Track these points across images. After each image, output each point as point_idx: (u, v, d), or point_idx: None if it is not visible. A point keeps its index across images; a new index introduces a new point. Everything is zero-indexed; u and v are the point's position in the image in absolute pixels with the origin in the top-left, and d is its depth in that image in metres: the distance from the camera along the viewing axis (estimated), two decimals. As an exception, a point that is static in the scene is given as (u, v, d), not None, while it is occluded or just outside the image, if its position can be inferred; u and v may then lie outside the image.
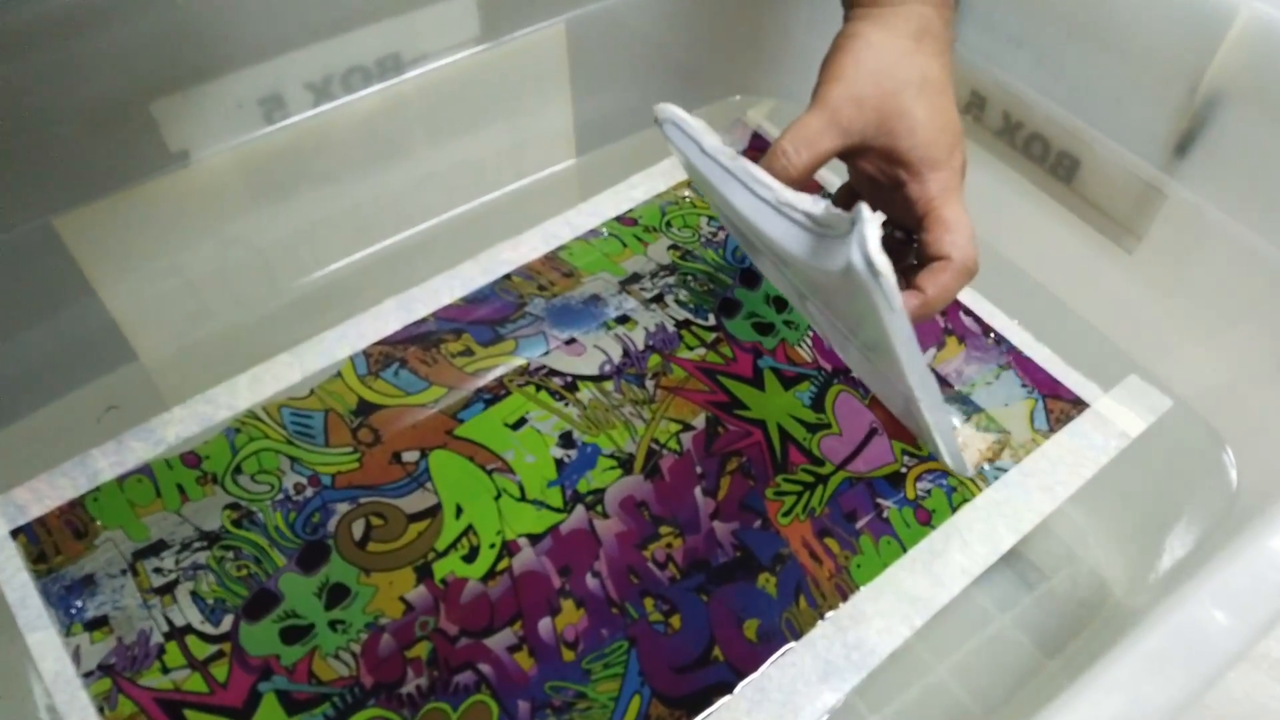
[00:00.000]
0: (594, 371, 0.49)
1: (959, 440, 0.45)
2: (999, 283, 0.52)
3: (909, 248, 0.42)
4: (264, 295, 0.54)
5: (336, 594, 0.41)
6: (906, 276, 0.41)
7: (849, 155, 0.41)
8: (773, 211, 0.37)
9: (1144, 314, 0.50)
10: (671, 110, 0.39)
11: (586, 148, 0.61)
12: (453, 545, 0.43)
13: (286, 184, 0.52)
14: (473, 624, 0.41)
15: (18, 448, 0.47)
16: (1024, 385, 0.48)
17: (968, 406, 0.47)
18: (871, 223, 0.33)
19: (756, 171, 0.37)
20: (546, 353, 0.49)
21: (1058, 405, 0.48)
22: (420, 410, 0.47)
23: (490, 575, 0.42)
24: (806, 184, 0.38)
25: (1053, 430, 0.47)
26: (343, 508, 0.44)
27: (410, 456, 0.46)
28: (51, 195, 0.45)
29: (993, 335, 0.50)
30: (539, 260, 0.54)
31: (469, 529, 0.43)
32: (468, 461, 0.45)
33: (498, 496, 0.44)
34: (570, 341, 0.50)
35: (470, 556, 0.43)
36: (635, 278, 0.53)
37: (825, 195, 0.45)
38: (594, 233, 0.55)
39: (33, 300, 0.47)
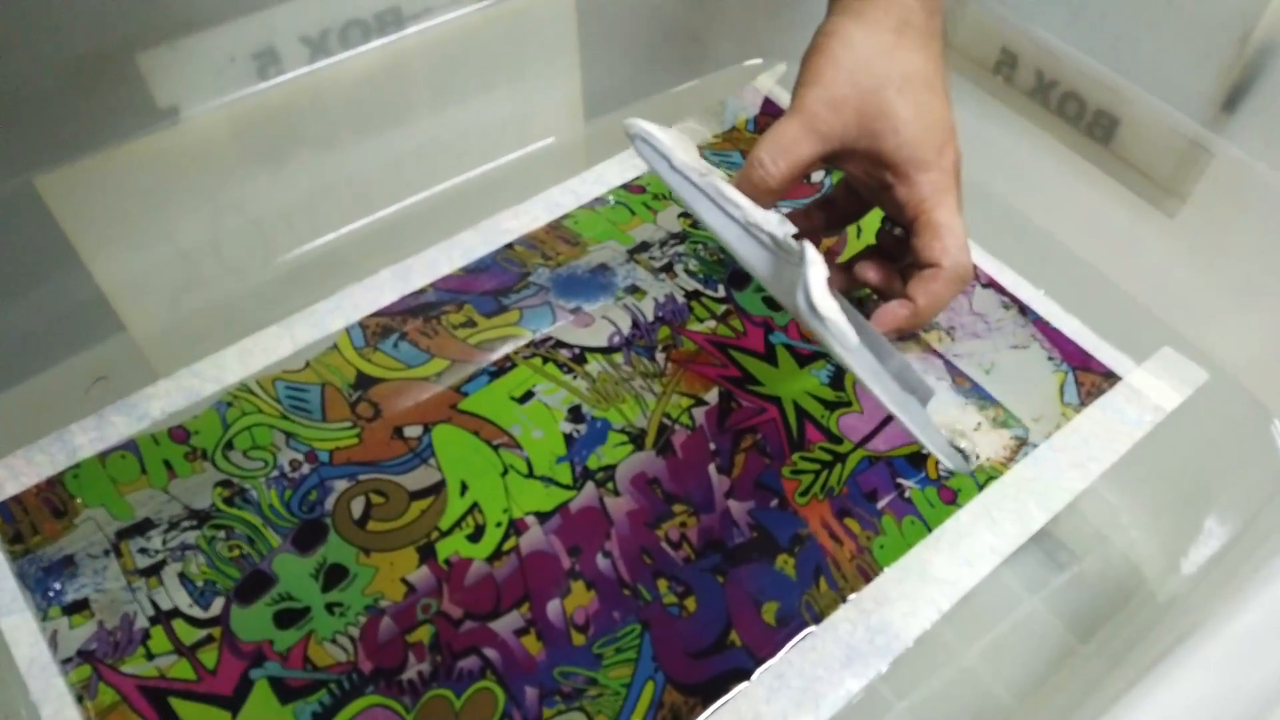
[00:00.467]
0: (603, 343, 0.47)
1: (968, 443, 0.43)
2: (1028, 251, 0.50)
3: (907, 246, 0.40)
4: (258, 265, 0.51)
5: (334, 575, 0.39)
6: (905, 275, 0.39)
7: (834, 159, 0.39)
8: (742, 231, 0.37)
9: (1185, 281, 0.47)
10: (640, 126, 0.39)
11: (595, 113, 0.58)
12: (457, 524, 0.41)
13: (281, 147, 0.49)
14: (478, 607, 0.39)
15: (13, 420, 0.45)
16: (1051, 358, 0.46)
17: (983, 400, 0.45)
18: (814, 264, 0.32)
19: (726, 189, 0.37)
20: (553, 323, 0.47)
21: (1089, 378, 0.45)
22: (422, 384, 0.45)
23: (496, 555, 0.40)
24: (798, 187, 0.37)
25: (1084, 404, 0.44)
26: (341, 485, 0.42)
27: (413, 432, 0.43)
28: (32, 152, 0.42)
29: (1016, 306, 0.48)
30: (543, 229, 0.51)
31: (474, 507, 0.41)
32: (473, 436, 0.43)
33: (504, 473, 0.42)
34: (576, 311, 0.48)
35: (475, 536, 0.40)
36: (644, 246, 0.51)
37: (819, 194, 0.44)
38: (600, 200, 0.53)
39: (14, 267, 0.45)
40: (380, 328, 0.47)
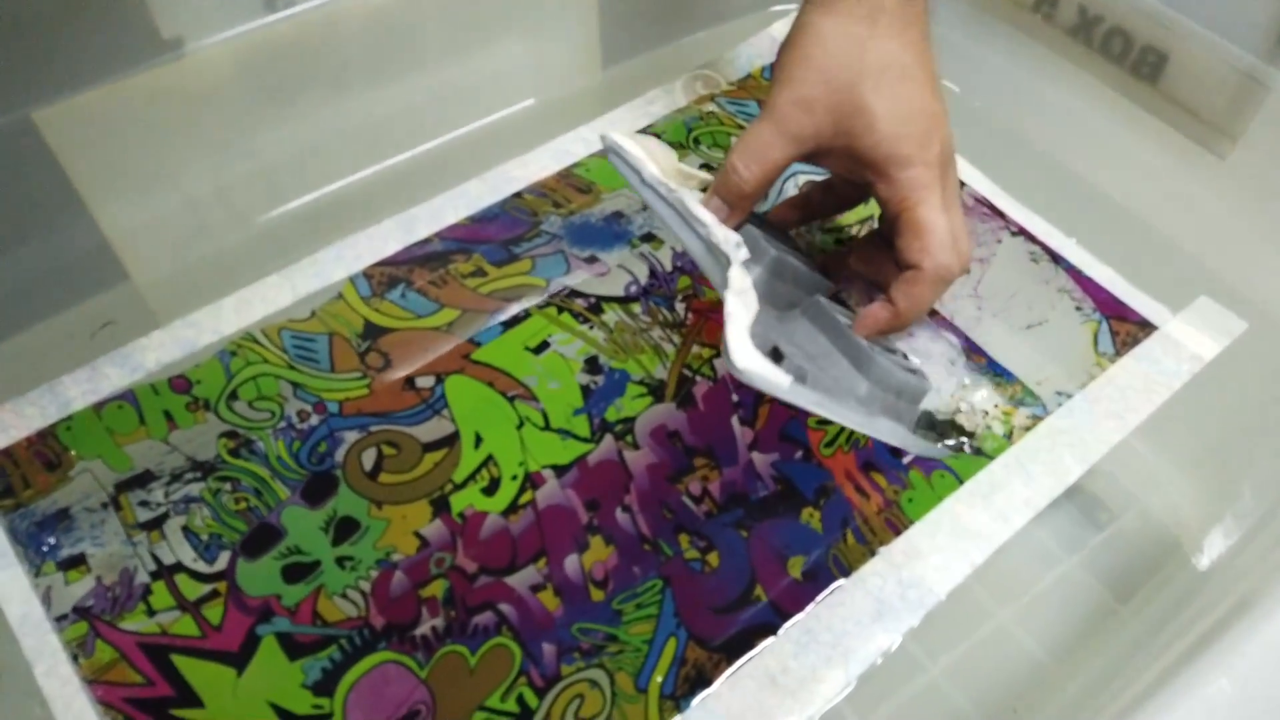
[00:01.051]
0: (619, 293, 0.45)
1: (979, 425, 0.41)
2: (1065, 199, 0.48)
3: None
4: (266, 211, 0.49)
5: (345, 528, 0.38)
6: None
7: (813, 158, 0.38)
8: (705, 249, 0.37)
9: (1232, 227, 0.46)
10: (613, 139, 0.39)
11: (613, 61, 0.56)
12: (471, 477, 0.39)
13: (290, 86, 0.47)
14: (493, 561, 0.37)
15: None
16: (1080, 308, 0.44)
17: (999, 377, 0.42)
18: (732, 320, 0.33)
19: (692, 205, 0.37)
20: (567, 272, 0.45)
21: (1124, 328, 0.44)
22: (433, 334, 0.43)
23: (512, 509, 0.38)
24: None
25: (1119, 355, 0.43)
26: (351, 436, 0.40)
27: (425, 382, 0.42)
28: (30, 84, 0.40)
29: (1048, 256, 0.46)
30: (553, 177, 0.49)
31: (489, 459, 0.39)
32: (487, 388, 0.41)
33: (520, 425, 0.40)
34: (591, 260, 0.46)
35: (490, 489, 0.39)
36: None
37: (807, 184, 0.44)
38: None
39: (15, 210, 0.43)
40: (386, 278, 0.45)
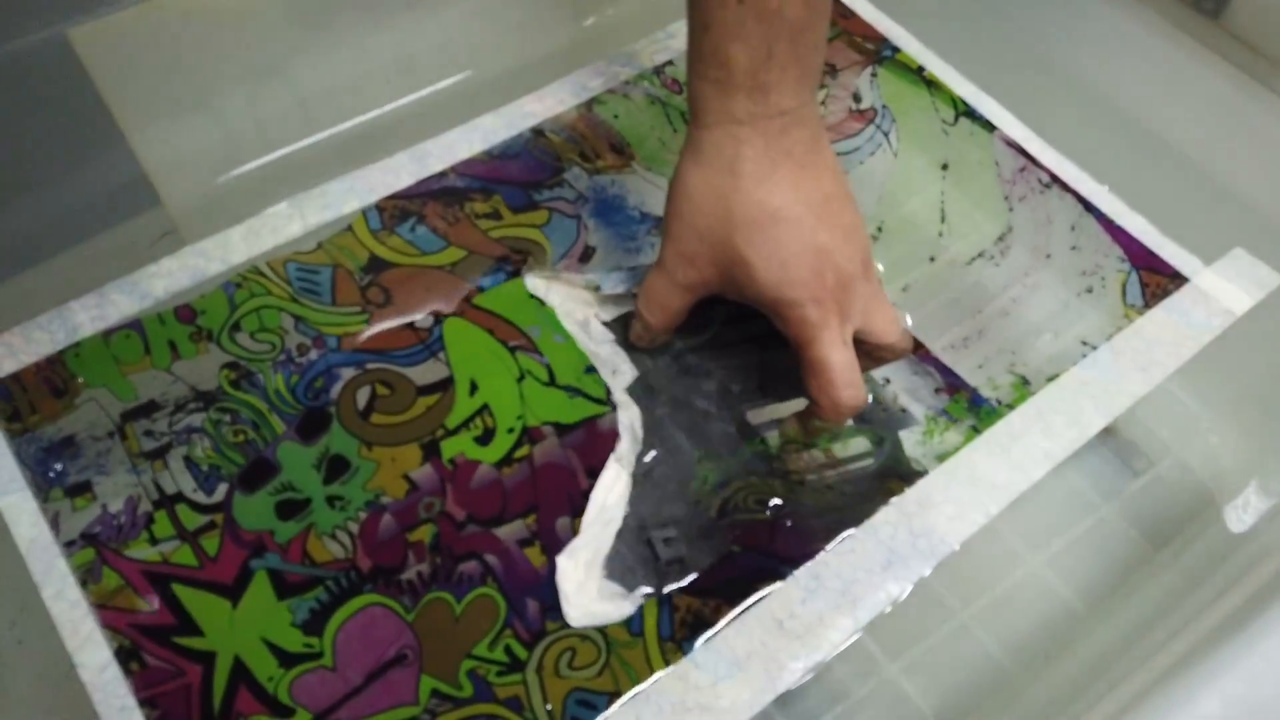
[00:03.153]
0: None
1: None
2: (1110, 141, 0.46)
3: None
4: (299, 139, 0.48)
5: (336, 467, 0.37)
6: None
7: (718, 297, 0.38)
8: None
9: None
10: (532, 281, 0.42)
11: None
12: (465, 424, 0.38)
13: (326, 9, 0.45)
14: (482, 511, 0.36)
15: (23, 298, 0.42)
16: (1107, 256, 0.43)
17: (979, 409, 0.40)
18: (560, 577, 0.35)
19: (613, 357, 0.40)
20: (575, 242, 0.44)
21: (1154, 279, 0.42)
22: (436, 273, 0.42)
23: (506, 461, 0.38)
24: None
25: (1148, 306, 0.41)
26: (348, 373, 0.39)
27: (424, 322, 0.41)
28: (65, 1, 0.39)
29: (1081, 205, 0.44)
30: (581, 120, 0.47)
31: (484, 409, 0.39)
32: (487, 335, 0.41)
33: (521, 378, 0.39)
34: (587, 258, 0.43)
35: (484, 438, 0.38)
36: None
37: None
38: (631, 86, 0.49)
39: (45, 132, 0.42)
40: (399, 210, 0.44)
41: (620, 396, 0.39)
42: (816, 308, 0.35)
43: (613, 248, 0.43)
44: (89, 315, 0.41)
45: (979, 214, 0.45)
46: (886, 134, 0.48)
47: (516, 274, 0.42)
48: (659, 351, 0.40)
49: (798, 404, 0.39)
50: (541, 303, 0.41)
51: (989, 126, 0.46)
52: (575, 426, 0.39)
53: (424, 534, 0.36)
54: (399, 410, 0.39)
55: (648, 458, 0.38)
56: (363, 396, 0.39)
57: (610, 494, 0.37)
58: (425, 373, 0.40)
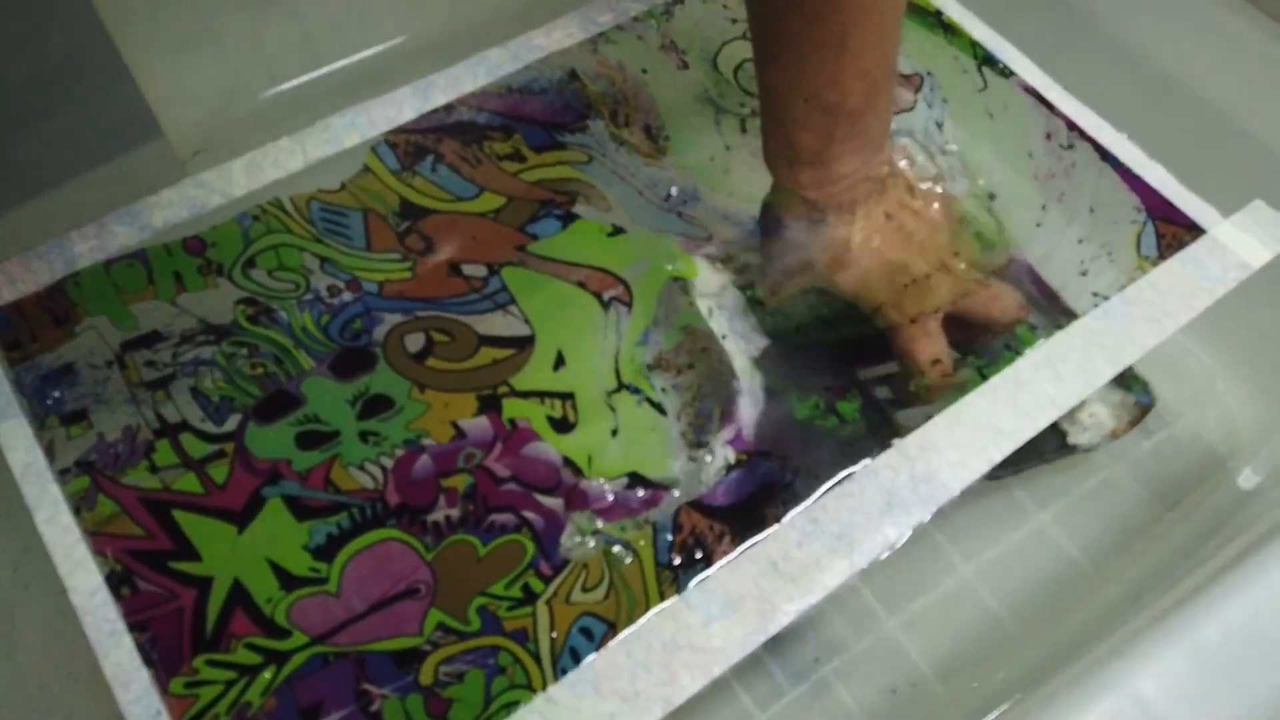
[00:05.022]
0: None
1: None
2: (1135, 90, 0.45)
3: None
4: (303, 72, 0.47)
5: (377, 405, 0.37)
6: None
7: None
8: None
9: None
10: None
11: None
12: (540, 397, 0.37)
13: None
14: (529, 477, 0.36)
15: (24, 229, 0.42)
16: (1123, 206, 0.42)
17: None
18: None
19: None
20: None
21: (1170, 230, 0.41)
22: (479, 220, 0.41)
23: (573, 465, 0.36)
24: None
25: (1162, 257, 0.41)
26: (393, 319, 0.39)
27: (474, 271, 0.40)
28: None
29: (1098, 152, 0.43)
30: (617, 71, 0.46)
31: (569, 398, 0.37)
32: (574, 288, 0.39)
33: (617, 350, 0.38)
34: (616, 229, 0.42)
35: (562, 427, 0.37)
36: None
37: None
38: (640, 24, 0.48)
39: (48, 62, 0.41)
40: (413, 147, 0.43)
41: (741, 363, 0.39)
42: (895, 309, 0.38)
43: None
44: (88, 245, 0.40)
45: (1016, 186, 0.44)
46: (940, 124, 0.46)
47: (571, 218, 0.42)
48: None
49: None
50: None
51: (1007, 73, 0.45)
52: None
53: (459, 482, 0.35)
54: (460, 358, 0.38)
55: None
56: (415, 341, 0.38)
57: None
58: (492, 324, 0.39)
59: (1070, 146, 0.44)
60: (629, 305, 0.40)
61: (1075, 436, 0.38)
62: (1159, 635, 0.27)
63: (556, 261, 0.41)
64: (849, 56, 0.35)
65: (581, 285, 0.40)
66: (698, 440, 0.36)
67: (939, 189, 0.40)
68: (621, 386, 0.38)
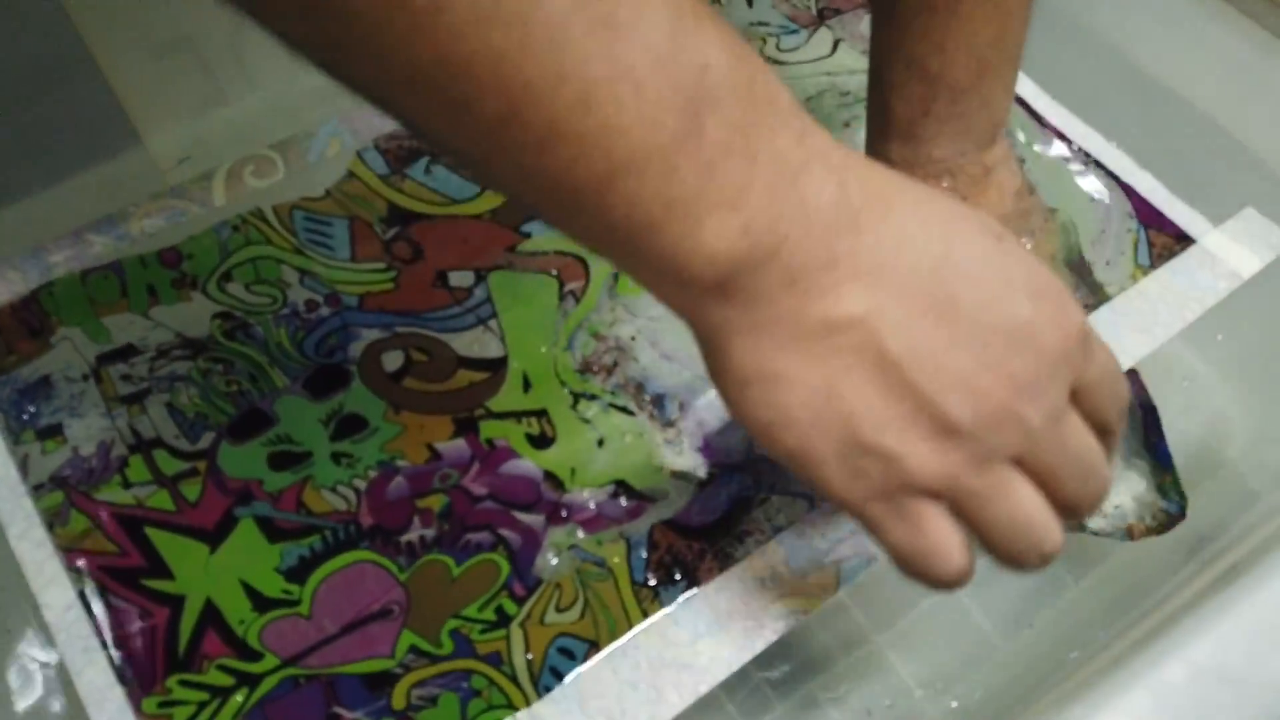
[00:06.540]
0: None
1: None
2: (1120, 95, 0.44)
3: None
4: (283, 78, 0.46)
5: (350, 425, 0.36)
6: None
7: None
8: None
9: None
10: None
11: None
12: (516, 417, 0.36)
13: None
14: (508, 495, 0.35)
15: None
16: (1119, 215, 0.41)
17: None
18: None
19: None
20: None
21: (1160, 239, 0.41)
22: (473, 223, 0.40)
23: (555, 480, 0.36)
24: None
25: (1153, 266, 0.40)
26: (371, 334, 0.38)
27: (461, 280, 0.39)
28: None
29: (1091, 162, 0.43)
30: None
31: (543, 414, 0.36)
32: (546, 278, 0.38)
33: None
34: None
35: (540, 442, 0.36)
36: None
37: None
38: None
39: (23, 68, 0.41)
40: (403, 150, 0.42)
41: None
42: None
43: None
44: (64, 255, 0.40)
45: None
46: None
47: None
48: None
49: None
50: None
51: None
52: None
53: (435, 502, 0.35)
54: (437, 379, 0.37)
55: None
56: (392, 360, 0.37)
57: None
58: (470, 343, 0.38)
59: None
60: (579, 300, 0.39)
61: (1093, 521, 0.37)
62: (1151, 652, 0.27)
63: (541, 255, 0.40)
64: (958, 23, 0.32)
65: (557, 275, 0.39)
66: (673, 441, 0.36)
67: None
68: (577, 396, 0.37)
